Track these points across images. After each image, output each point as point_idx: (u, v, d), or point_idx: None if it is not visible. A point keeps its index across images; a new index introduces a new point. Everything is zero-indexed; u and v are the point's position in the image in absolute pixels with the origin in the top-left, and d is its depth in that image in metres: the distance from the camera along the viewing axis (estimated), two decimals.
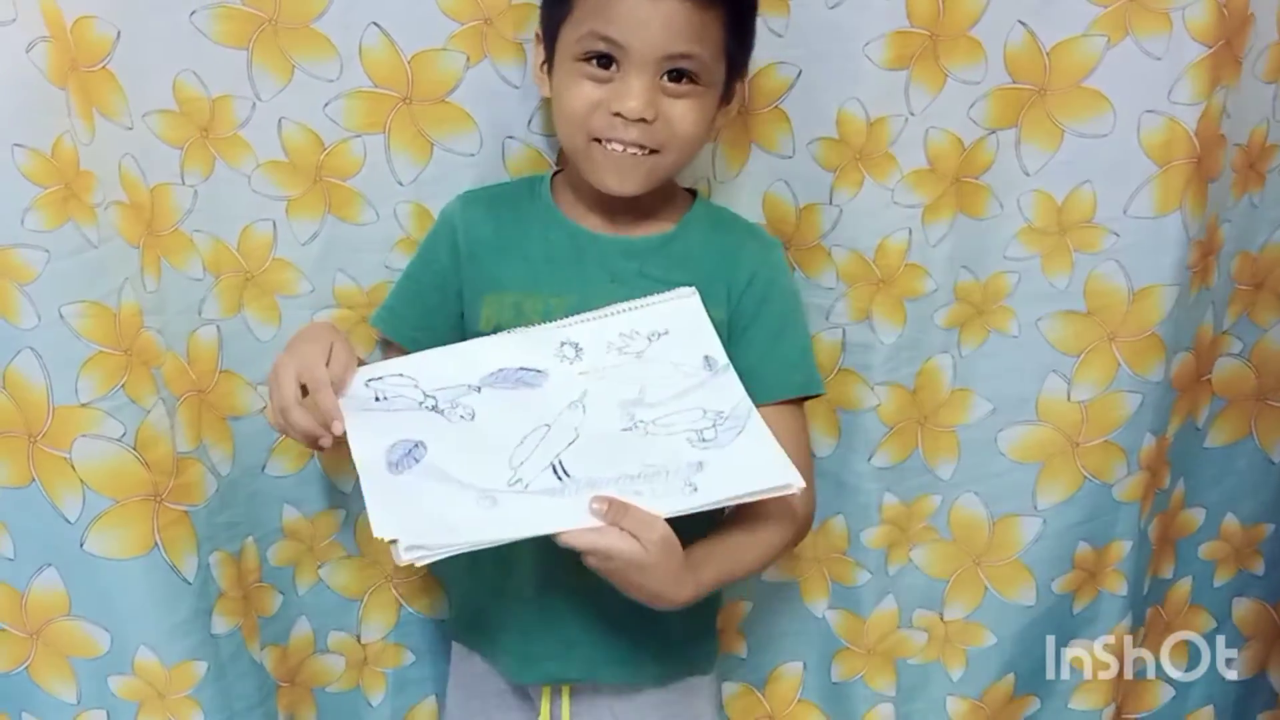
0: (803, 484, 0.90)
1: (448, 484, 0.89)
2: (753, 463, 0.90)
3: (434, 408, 0.94)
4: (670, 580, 0.89)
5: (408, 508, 0.86)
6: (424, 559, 0.83)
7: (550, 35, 0.98)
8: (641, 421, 0.93)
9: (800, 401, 1.05)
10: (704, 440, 0.92)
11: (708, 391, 0.96)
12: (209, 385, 1.07)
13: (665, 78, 0.95)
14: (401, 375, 0.96)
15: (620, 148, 0.96)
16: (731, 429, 0.93)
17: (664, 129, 0.96)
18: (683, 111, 0.96)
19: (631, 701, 1.06)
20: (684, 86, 0.95)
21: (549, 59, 1.00)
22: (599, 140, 0.97)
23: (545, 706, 1.06)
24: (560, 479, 0.89)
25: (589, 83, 0.95)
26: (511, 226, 1.05)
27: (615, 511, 0.86)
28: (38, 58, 0.89)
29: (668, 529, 0.87)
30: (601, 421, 0.93)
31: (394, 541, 0.83)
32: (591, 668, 1.04)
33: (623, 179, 0.98)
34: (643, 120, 0.94)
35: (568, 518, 0.86)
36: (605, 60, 0.94)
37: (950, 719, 1.31)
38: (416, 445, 0.91)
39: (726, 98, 1.02)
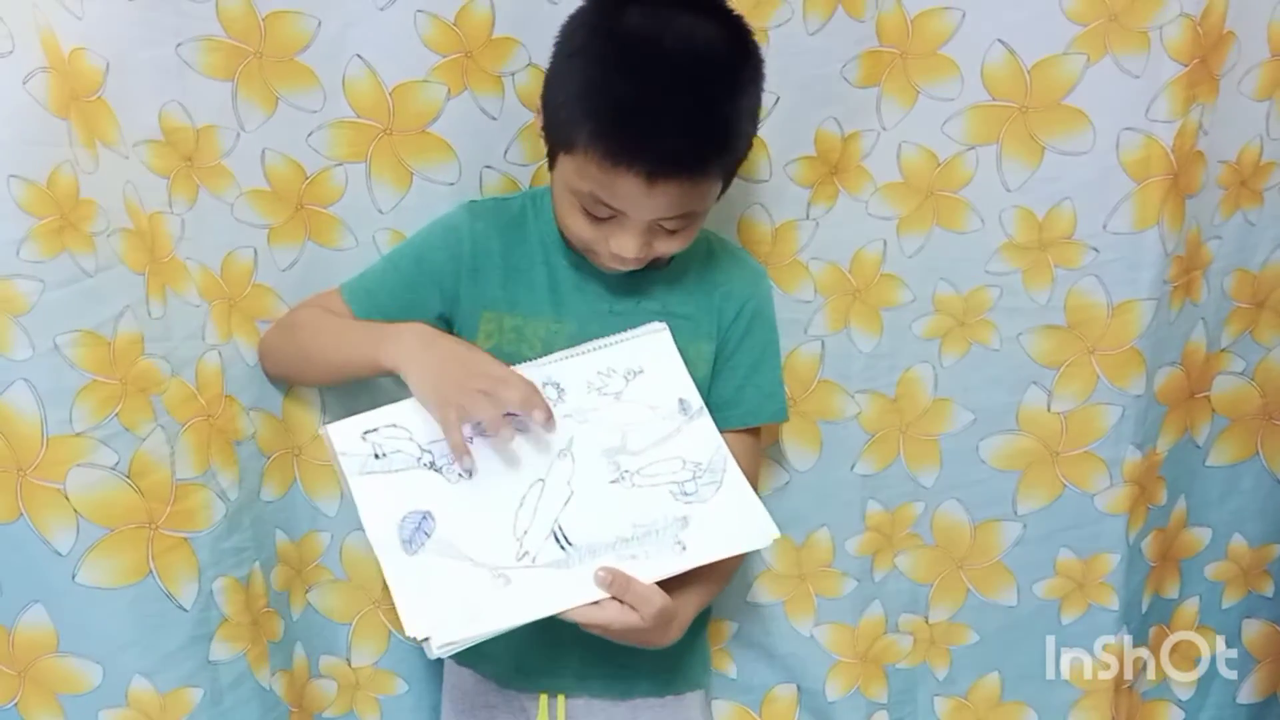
0: (778, 534, 0.99)
1: (461, 562, 0.95)
2: (735, 521, 0.99)
3: (432, 464, 0.98)
4: (660, 635, 0.98)
5: (431, 598, 0.93)
6: (452, 652, 0.91)
7: (551, 142, 0.99)
8: (627, 472, 1.00)
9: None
10: (686, 494, 1.00)
11: (685, 439, 1.03)
12: (217, 410, 1.07)
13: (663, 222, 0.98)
14: (395, 426, 1.00)
15: (616, 265, 1.01)
16: (710, 483, 1.01)
17: (656, 254, 1.00)
18: (676, 243, 1.00)
19: (626, 707, 1.11)
20: (679, 227, 0.98)
21: (548, 155, 1.01)
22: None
23: (543, 712, 1.10)
24: (564, 548, 0.96)
25: (586, 218, 0.98)
26: (517, 247, 1.07)
27: (619, 586, 0.93)
28: (35, 89, 0.90)
29: (665, 600, 0.94)
30: (590, 473, 1.00)
31: (425, 640, 0.91)
32: (584, 682, 1.09)
33: (618, 271, 1.03)
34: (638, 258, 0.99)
35: (576, 592, 0.93)
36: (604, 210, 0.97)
37: (939, 719, 1.32)
38: (424, 517, 0.96)
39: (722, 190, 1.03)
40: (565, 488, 0.98)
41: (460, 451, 0.96)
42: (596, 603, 0.93)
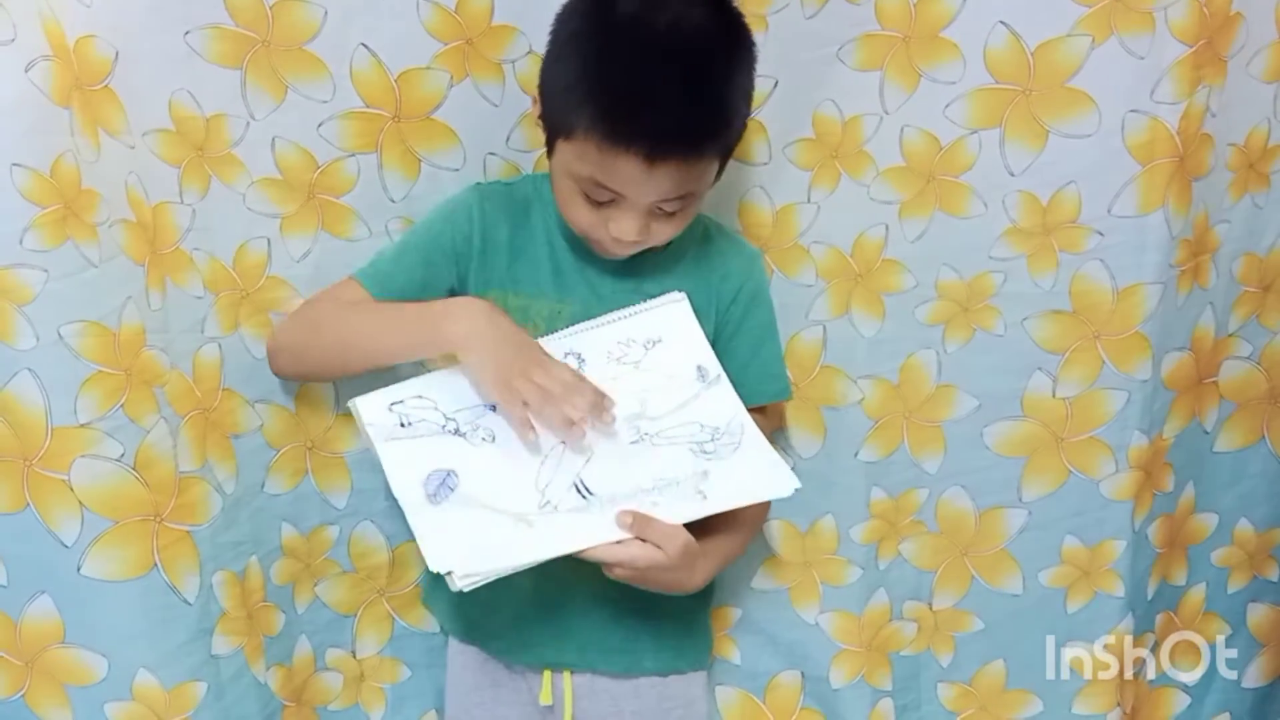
0: (799, 485, 1.01)
1: (483, 510, 0.97)
2: (754, 473, 1.01)
3: (456, 431, 1.00)
4: (687, 575, 1.00)
5: (454, 538, 0.95)
6: (476, 584, 0.92)
7: (550, 129, 1.01)
8: (647, 434, 1.03)
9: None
10: (705, 453, 1.02)
11: (703, 404, 1.05)
12: (213, 403, 1.08)
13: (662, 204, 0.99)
14: (421, 397, 1.02)
15: (616, 250, 1.03)
16: (729, 444, 1.03)
17: (655, 239, 1.03)
18: (674, 226, 1.02)
19: (630, 685, 1.12)
20: (677, 209, 1.00)
21: (547, 143, 1.03)
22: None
23: (547, 686, 1.11)
24: (585, 497, 0.98)
25: (587, 204, 1.00)
26: (522, 230, 1.09)
27: (640, 525, 0.95)
28: (38, 77, 0.89)
29: (687, 536, 0.97)
30: (611, 437, 1.01)
31: (449, 573, 0.92)
32: (586, 657, 1.11)
33: (617, 256, 1.06)
34: (638, 241, 1.01)
35: (598, 532, 0.96)
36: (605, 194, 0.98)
37: (942, 705, 1.33)
38: (449, 474, 0.98)
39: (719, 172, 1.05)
40: (585, 449, 1.00)
41: (526, 427, 0.98)
42: (619, 542, 0.95)
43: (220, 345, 1.09)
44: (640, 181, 0.95)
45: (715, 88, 0.96)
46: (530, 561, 0.93)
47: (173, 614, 1.02)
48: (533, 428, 0.98)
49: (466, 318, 1.01)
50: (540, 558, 0.94)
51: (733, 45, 0.99)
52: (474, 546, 0.94)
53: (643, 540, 0.95)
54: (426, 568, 1.18)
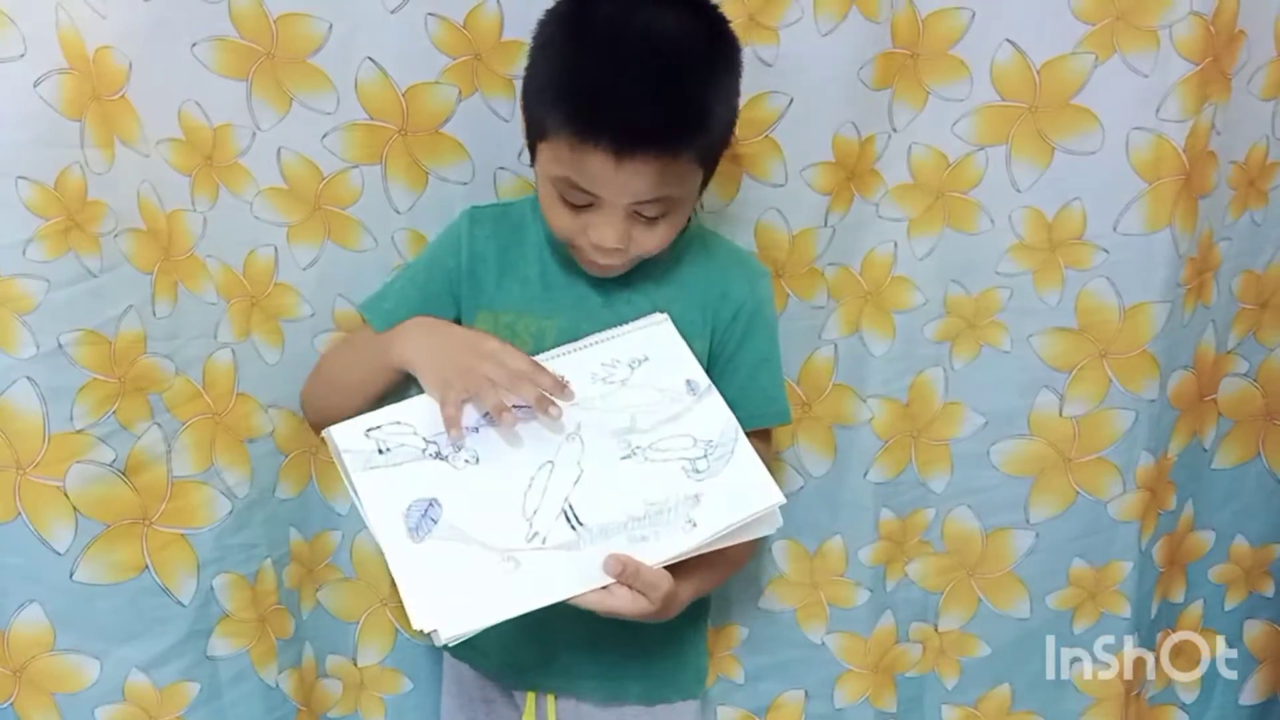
0: (783, 499, 0.97)
1: (469, 545, 0.93)
2: (742, 488, 0.97)
3: (438, 454, 0.98)
4: (662, 615, 0.97)
5: (438, 588, 0.91)
6: (461, 639, 0.90)
7: (530, 136, 1.00)
8: (639, 448, 0.99)
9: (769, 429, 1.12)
10: (698, 471, 0.98)
11: (695, 417, 1.01)
12: (225, 408, 1.08)
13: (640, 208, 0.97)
14: (398, 423, 1.00)
15: (599, 260, 1.01)
16: (722, 457, 0.99)
17: (638, 248, 1.00)
18: (657, 235, 0.99)
19: (614, 713, 1.11)
20: (657, 214, 0.98)
21: (530, 147, 1.01)
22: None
23: (530, 710, 1.11)
24: (574, 528, 0.94)
25: (566, 208, 0.98)
26: (514, 249, 1.08)
27: (629, 574, 0.92)
28: (47, 91, 0.90)
29: (671, 584, 0.94)
30: (600, 453, 0.98)
31: (434, 631, 0.89)
32: (573, 682, 1.10)
33: (605, 272, 1.04)
34: (617, 248, 0.98)
35: (585, 577, 0.92)
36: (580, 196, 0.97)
37: None
38: (431, 504, 0.95)
39: (704, 182, 1.03)
40: (575, 468, 0.97)
41: (451, 424, 0.96)
42: (605, 588, 0.93)
43: (234, 350, 1.09)
44: (610, 179, 0.93)
45: (688, 87, 0.93)
46: (516, 613, 0.91)
47: (164, 615, 1.03)
48: (458, 425, 0.97)
49: (408, 335, 1.05)
50: (527, 608, 0.91)
51: (712, 48, 0.97)
52: (459, 598, 0.91)
53: (628, 586, 0.93)
54: None
